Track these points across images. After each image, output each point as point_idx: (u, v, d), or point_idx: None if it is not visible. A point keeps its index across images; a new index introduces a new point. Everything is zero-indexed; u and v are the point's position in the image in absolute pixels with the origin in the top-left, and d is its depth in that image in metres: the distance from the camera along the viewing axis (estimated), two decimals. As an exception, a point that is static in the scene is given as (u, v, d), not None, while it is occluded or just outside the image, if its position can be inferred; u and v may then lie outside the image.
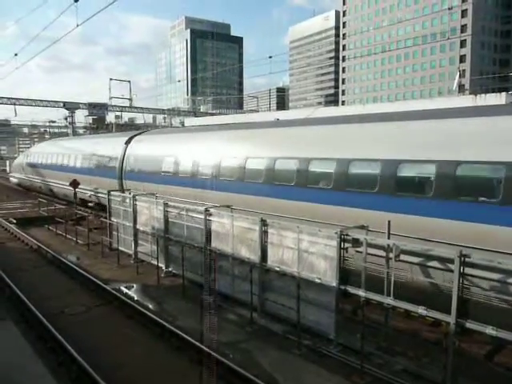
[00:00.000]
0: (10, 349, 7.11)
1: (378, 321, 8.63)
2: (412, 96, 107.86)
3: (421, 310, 7.25)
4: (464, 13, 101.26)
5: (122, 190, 20.02)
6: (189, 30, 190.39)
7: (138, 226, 15.05)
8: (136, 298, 11.77)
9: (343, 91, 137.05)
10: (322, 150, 12.25)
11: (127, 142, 22.75)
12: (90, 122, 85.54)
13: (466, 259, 6.81)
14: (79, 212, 22.34)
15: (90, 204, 25.44)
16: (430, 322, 8.92)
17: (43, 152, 34.12)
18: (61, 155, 30.17)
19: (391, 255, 7.91)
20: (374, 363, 7.84)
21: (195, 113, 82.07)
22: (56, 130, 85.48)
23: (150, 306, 11.15)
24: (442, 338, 7.21)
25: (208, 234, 11.74)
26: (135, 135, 23.50)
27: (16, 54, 28.04)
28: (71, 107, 63.28)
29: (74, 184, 22.28)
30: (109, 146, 24.76)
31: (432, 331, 9.01)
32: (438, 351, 7.60)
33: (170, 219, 13.46)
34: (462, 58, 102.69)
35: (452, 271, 6.98)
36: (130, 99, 69.55)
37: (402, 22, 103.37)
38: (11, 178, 41.85)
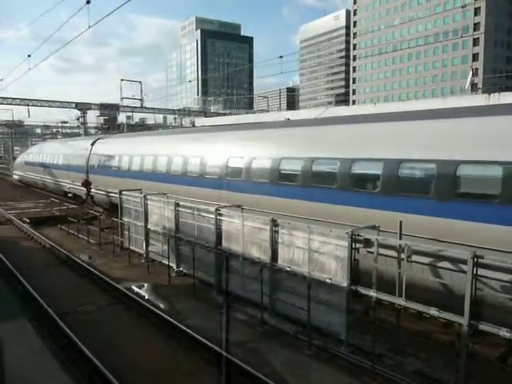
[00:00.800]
0: (23, 346, 7.20)
1: (389, 321, 8.58)
2: (423, 95, 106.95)
3: (433, 311, 7.18)
4: (477, 10, 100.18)
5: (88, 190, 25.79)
6: (199, 31, 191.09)
7: (149, 226, 15.14)
8: (147, 297, 11.85)
9: (354, 91, 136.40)
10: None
11: (92, 144, 27.72)
12: (102, 122, 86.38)
13: (479, 260, 6.74)
14: (91, 212, 22.54)
15: (69, 195, 29.86)
16: (443, 323, 8.84)
17: (36, 152, 40.60)
18: (48, 155, 35.80)
19: (403, 256, 7.85)
20: (386, 364, 7.79)
21: (205, 113, 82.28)
22: (68, 131, 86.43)
23: (161, 305, 11.21)
24: (455, 340, 7.14)
25: (218, 233, 11.77)
26: (98, 139, 28.78)
27: (29, 56, 28.36)
28: (83, 108, 63.86)
29: (86, 184, 22.49)
30: (79, 147, 30.02)
31: (444, 332, 8.92)
32: (451, 353, 7.53)
33: (180, 219, 13.52)
34: (475, 57, 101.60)
35: (465, 272, 6.91)
36: (141, 100, 69.91)
37: (413, 20, 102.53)
38: (14, 176, 47.74)
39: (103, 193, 23.77)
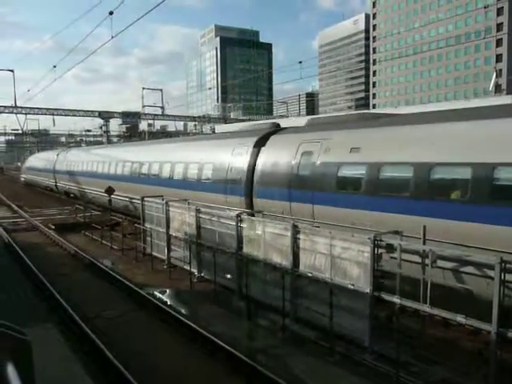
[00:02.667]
0: (48, 351, 7.36)
1: (413, 328, 8.42)
2: (445, 98, 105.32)
3: (459, 318, 7.02)
4: (500, 11, 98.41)
5: (55, 183, 40.79)
6: (218, 38, 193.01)
7: (170, 232, 15.28)
8: (169, 303, 11.94)
9: (374, 94, 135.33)
10: None
11: (57, 155, 42.39)
12: (124, 130, 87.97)
13: (508, 265, 6.56)
14: (114, 218, 22.90)
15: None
16: (470, 330, 8.62)
17: (32, 160, 56.33)
18: (36, 162, 52.25)
19: (427, 261, 7.72)
20: (410, 372, 7.63)
21: (225, 119, 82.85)
22: (91, 139, 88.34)
23: (183, 311, 11.27)
24: (483, 348, 6.96)
25: (239, 239, 11.79)
26: (62, 151, 43.62)
27: (55, 66, 29.17)
28: (106, 116, 65.19)
29: (110, 191, 22.86)
30: (49, 157, 45.45)
31: (472, 340, 8.71)
32: (479, 361, 7.34)
33: (201, 225, 13.60)
34: (499, 58, 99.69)
35: (492, 278, 6.74)
36: (162, 107, 70.93)
37: (434, 22, 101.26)
38: (21, 178, 60.90)
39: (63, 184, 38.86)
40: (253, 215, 12.67)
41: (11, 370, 1.42)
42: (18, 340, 1.61)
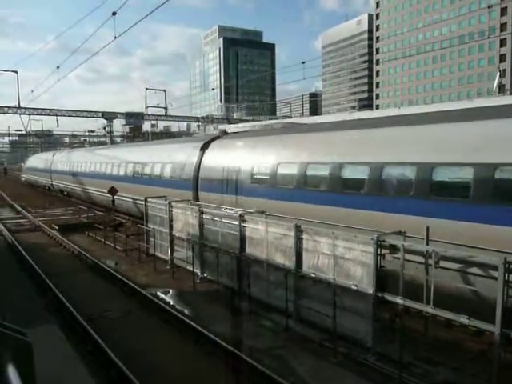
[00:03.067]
0: (51, 351, 7.38)
1: (416, 329, 8.39)
2: (449, 98, 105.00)
3: (463, 319, 6.99)
4: (504, 11, 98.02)
5: (51, 182, 43.57)
6: (222, 39, 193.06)
7: (173, 233, 15.29)
8: (172, 303, 11.94)
9: (377, 95, 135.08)
10: None
11: (53, 155, 46.89)
12: (127, 131, 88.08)
13: (511, 266, 6.54)
14: (117, 219, 22.94)
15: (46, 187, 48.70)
16: (473, 331, 8.59)
17: (31, 161, 60.98)
18: (33, 162, 58.07)
19: (430, 261, 7.69)
20: (413, 373, 7.61)
21: (229, 120, 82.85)
22: (95, 140, 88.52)
23: (186, 311, 11.28)
24: (486, 349, 6.93)
25: (242, 240, 11.79)
26: (58, 151, 49.76)
27: (58, 67, 29.24)
28: (109, 117, 65.19)
29: (113, 191, 22.89)
30: (47, 157, 49.62)
31: (475, 341, 8.67)
32: (482, 362, 7.30)
33: (205, 225, 13.61)
34: (502, 58, 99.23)
35: (495, 278, 6.71)
36: (166, 108, 70.93)
37: (437, 22, 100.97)
38: (22, 177, 66.15)
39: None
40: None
41: (12, 371, 1.42)
42: (18, 341, 1.61)
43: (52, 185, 44.71)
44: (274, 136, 16.36)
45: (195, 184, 18.80)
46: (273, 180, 14.23)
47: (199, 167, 18.74)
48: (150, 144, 34.52)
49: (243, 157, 16.31)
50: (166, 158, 21.98)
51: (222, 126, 27.93)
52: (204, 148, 19.22)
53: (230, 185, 16.44)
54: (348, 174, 11.83)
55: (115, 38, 15.09)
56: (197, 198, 18.27)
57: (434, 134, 10.29)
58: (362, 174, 11.28)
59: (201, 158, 18.91)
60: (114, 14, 14.02)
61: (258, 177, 15.15)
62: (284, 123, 19.32)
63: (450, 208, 9.11)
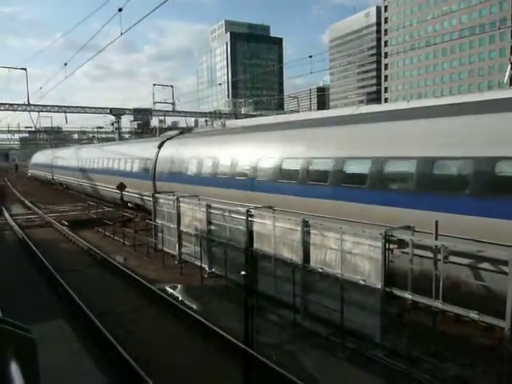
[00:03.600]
0: (61, 346, 7.45)
1: (425, 324, 8.33)
2: (459, 91, 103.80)
3: (472, 315, 6.92)
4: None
5: (52, 176, 47.46)
6: (229, 34, 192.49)
7: (181, 228, 15.33)
8: (180, 298, 11.99)
9: (386, 88, 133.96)
10: None
11: (53, 152, 53.67)
12: (135, 126, 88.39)
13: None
14: (126, 214, 23.07)
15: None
16: (483, 326, 8.50)
17: (36, 158, 67.81)
18: (37, 159, 65.11)
19: (439, 256, 7.62)
20: (422, 369, 7.56)
21: (236, 115, 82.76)
22: (103, 136, 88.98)
23: (194, 306, 11.31)
24: (496, 344, 6.86)
25: (250, 235, 11.78)
26: (58, 149, 52.63)
27: (66, 64, 29.35)
28: (117, 113, 65.40)
29: (121, 187, 23.01)
30: (49, 154, 56.03)
31: (485, 336, 8.59)
32: (492, 358, 7.23)
33: (212, 220, 13.63)
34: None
35: (506, 273, 6.63)
36: (173, 103, 70.99)
37: (447, 14, 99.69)
38: (28, 173, 71.80)
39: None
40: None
41: (15, 369, 1.41)
42: (22, 337, 1.61)
43: (53, 178, 49.69)
44: (203, 137, 23.21)
45: (153, 175, 23.95)
46: (198, 171, 19.42)
47: (156, 162, 24.04)
48: (122, 143, 43.01)
49: (182, 153, 21.78)
50: (134, 154, 28.13)
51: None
52: (160, 146, 24.54)
53: (178, 175, 21.40)
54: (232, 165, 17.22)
55: (121, 34, 15.12)
56: (155, 187, 23.36)
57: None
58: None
59: (157, 155, 24.17)
60: (120, 10, 14.03)
61: (189, 168, 20.46)
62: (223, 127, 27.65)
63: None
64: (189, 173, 20.22)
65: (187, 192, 17.33)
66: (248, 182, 15.66)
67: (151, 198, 17.42)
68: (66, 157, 45.30)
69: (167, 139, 25.25)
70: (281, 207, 12.93)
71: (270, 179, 14.62)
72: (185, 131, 28.83)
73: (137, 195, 25.14)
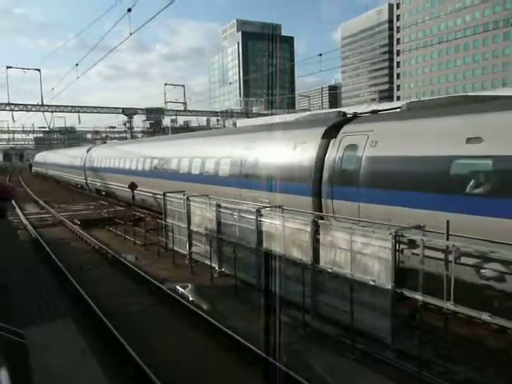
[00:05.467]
0: (69, 345, 7.46)
1: (437, 326, 8.21)
2: (472, 88, 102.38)
3: (485, 317, 6.79)
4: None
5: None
6: (240, 33, 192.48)
7: (191, 227, 15.35)
8: (190, 298, 11.99)
9: (398, 86, 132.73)
10: None
11: (47, 153, 71.80)
12: (148, 126, 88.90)
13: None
14: (137, 213, 23.19)
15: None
16: (496, 328, 8.35)
17: (39, 157, 79.67)
18: (41, 157, 75.56)
19: (450, 257, 7.49)
20: (434, 371, 7.45)
21: (247, 114, 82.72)
22: (116, 135, 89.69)
23: (204, 306, 11.30)
24: (509, 347, 6.72)
25: (259, 234, 11.74)
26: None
27: (77, 65, 29.60)
28: (129, 113, 65.79)
29: (132, 186, 23.13)
30: (46, 154, 73.09)
31: (498, 338, 8.43)
32: (505, 361, 7.09)
33: (222, 220, 13.61)
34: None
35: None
36: (185, 103, 71.17)
37: (460, 10, 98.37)
38: (32, 170, 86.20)
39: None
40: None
41: (4, 374, 1.39)
42: (13, 342, 1.59)
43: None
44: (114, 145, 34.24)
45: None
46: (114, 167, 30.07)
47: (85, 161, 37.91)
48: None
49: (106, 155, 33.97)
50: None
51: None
52: (89, 149, 38.40)
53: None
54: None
55: (130, 34, 15.19)
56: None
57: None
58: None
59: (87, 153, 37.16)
60: (129, 10, 14.10)
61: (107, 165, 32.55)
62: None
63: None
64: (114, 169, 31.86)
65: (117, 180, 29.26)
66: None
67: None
68: (57, 157, 54.60)
69: (100, 144, 39.85)
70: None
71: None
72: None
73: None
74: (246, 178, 15.74)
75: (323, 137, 12.78)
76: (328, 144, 12.49)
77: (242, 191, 15.72)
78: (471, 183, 8.60)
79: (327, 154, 12.34)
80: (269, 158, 14.77)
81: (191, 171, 20.05)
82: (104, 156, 40.93)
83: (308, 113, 25.54)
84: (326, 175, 12.15)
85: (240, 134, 20.70)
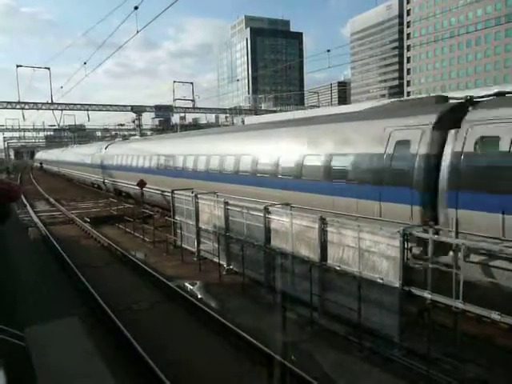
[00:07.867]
0: (77, 343, 7.51)
1: (446, 324, 8.14)
2: (484, 83, 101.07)
3: (494, 315, 6.72)
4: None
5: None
6: (249, 29, 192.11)
7: (200, 225, 15.38)
8: (198, 295, 12.04)
9: (408, 82, 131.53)
10: None
11: (43, 152, 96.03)
12: (157, 123, 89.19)
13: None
14: (146, 211, 23.31)
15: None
16: (506, 327, 8.26)
17: (39, 154, 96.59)
18: (42, 155, 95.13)
19: (460, 255, 7.41)
20: (442, 369, 7.39)
21: (256, 111, 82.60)
22: (125, 133, 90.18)
23: (212, 304, 11.33)
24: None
25: (267, 232, 11.73)
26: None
27: (85, 63, 29.78)
28: (138, 110, 66.06)
29: (141, 184, 23.24)
30: (39, 153, 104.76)
31: (507, 337, 8.34)
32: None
33: (230, 217, 13.62)
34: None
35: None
36: (193, 100, 71.24)
37: (471, 3, 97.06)
38: (34, 164, 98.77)
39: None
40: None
41: (0, 376, 1.40)
42: (13, 346, 1.59)
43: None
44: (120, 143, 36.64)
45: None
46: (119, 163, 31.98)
47: (102, 159, 37.36)
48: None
49: (117, 152, 33.59)
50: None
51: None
52: (107, 147, 37.90)
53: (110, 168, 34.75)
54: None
55: (137, 32, 15.21)
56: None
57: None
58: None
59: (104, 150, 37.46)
60: (136, 8, 14.12)
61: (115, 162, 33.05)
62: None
63: None
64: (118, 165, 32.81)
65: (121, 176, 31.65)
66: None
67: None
68: (51, 155, 64.95)
69: (112, 143, 42.42)
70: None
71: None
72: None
73: None
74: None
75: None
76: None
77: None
78: None
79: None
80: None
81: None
82: (126, 153, 36.35)
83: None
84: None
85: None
